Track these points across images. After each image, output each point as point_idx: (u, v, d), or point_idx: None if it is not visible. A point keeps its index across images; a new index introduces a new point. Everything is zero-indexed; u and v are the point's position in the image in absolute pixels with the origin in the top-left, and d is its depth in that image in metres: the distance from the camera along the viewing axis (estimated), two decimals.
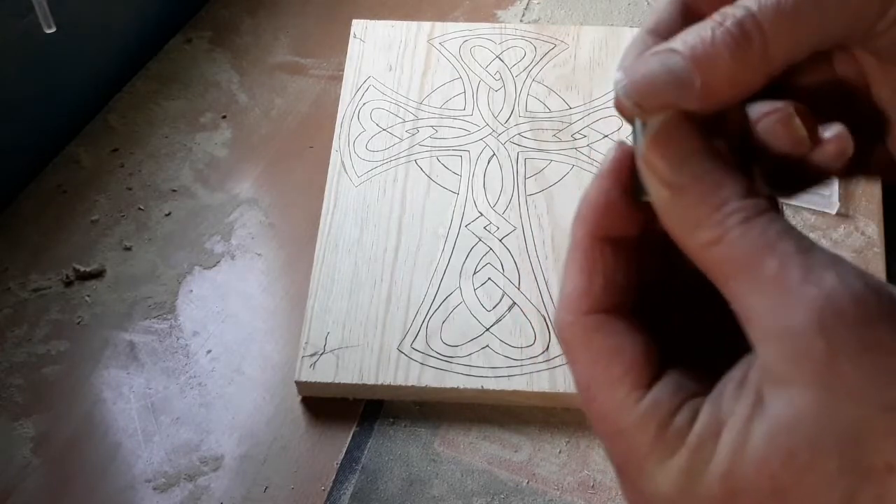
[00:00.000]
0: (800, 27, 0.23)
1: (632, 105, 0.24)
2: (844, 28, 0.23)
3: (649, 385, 0.23)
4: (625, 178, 0.25)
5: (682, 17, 0.26)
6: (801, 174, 0.26)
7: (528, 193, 0.68)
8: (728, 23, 0.23)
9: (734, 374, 0.22)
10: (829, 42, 0.24)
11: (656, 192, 0.24)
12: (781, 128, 0.25)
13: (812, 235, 0.69)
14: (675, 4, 0.26)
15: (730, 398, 0.22)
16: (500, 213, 0.67)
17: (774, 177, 0.26)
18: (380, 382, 0.58)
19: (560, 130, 0.72)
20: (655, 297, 0.25)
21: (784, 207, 0.71)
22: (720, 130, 0.24)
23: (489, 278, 0.63)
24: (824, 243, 0.69)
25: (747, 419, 0.21)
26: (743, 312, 0.22)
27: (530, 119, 0.73)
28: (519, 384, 0.58)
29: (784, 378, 0.21)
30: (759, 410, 0.21)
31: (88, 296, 0.66)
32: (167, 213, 0.72)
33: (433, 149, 0.71)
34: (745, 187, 0.23)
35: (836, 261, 0.21)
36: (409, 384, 0.58)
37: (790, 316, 0.21)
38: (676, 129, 0.23)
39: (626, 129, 0.72)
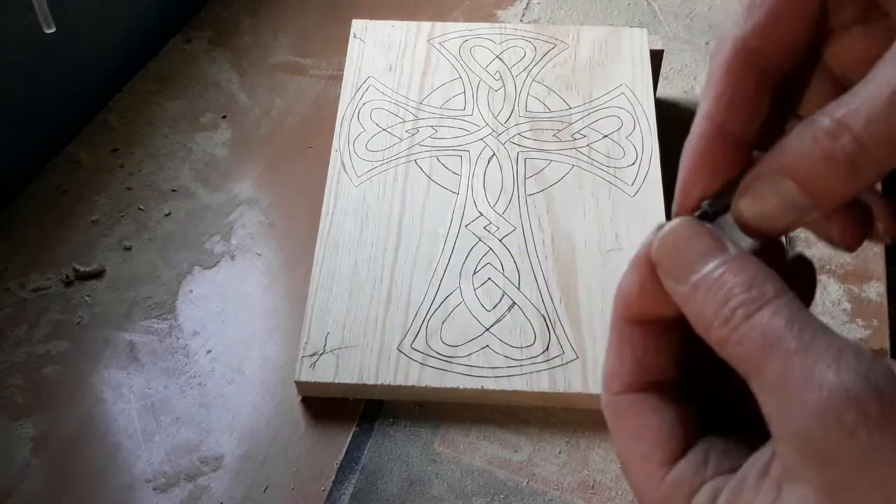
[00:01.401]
0: None
1: (752, 229, 0.25)
2: None
3: (675, 460, 0.24)
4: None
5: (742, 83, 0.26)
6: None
7: (528, 193, 0.68)
8: (839, 154, 0.23)
9: (759, 460, 0.23)
10: None
11: (672, 290, 0.25)
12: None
13: (812, 234, 0.69)
14: (735, 69, 0.26)
15: (750, 489, 0.23)
16: (500, 213, 0.67)
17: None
18: (380, 382, 0.58)
19: (560, 130, 0.72)
20: (701, 369, 0.26)
21: None
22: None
23: (489, 278, 0.63)
24: (822, 245, 0.68)
25: None
26: (763, 408, 0.22)
27: (530, 119, 0.73)
28: (519, 384, 0.58)
29: (797, 476, 0.21)
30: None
31: (88, 296, 0.66)
32: (167, 213, 0.72)
33: (433, 149, 0.71)
34: (749, 276, 0.23)
35: (837, 355, 0.21)
36: (409, 384, 0.58)
37: (796, 419, 0.21)
38: (683, 236, 0.25)
39: (626, 129, 0.72)
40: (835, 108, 0.23)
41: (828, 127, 0.23)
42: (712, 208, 0.26)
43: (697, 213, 0.26)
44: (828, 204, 0.24)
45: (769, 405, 0.22)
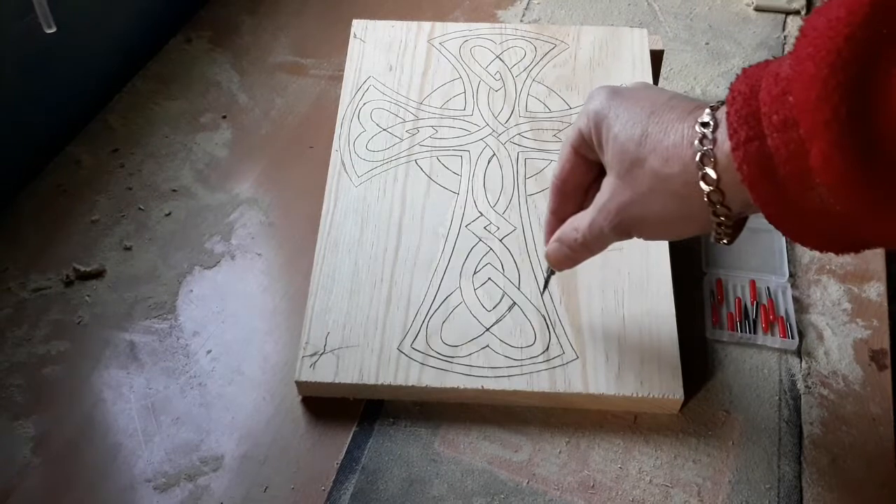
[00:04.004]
0: (608, 241, 0.51)
1: (552, 265, 0.55)
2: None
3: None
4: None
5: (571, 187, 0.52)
6: None
7: (528, 193, 0.68)
8: (578, 241, 0.51)
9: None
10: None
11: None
12: None
13: None
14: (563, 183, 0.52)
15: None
16: (501, 213, 0.67)
17: None
18: (380, 382, 0.58)
19: (560, 130, 0.72)
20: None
21: None
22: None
23: (489, 278, 0.63)
24: None
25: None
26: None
27: (530, 119, 0.73)
28: (519, 384, 0.58)
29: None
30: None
31: (89, 296, 0.66)
32: (167, 213, 0.72)
33: (433, 149, 0.71)
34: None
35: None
36: (410, 384, 0.58)
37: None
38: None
39: None
40: (577, 218, 0.51)
41: (570, 228, 0.51)
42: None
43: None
44: (581, 260, 0.53)
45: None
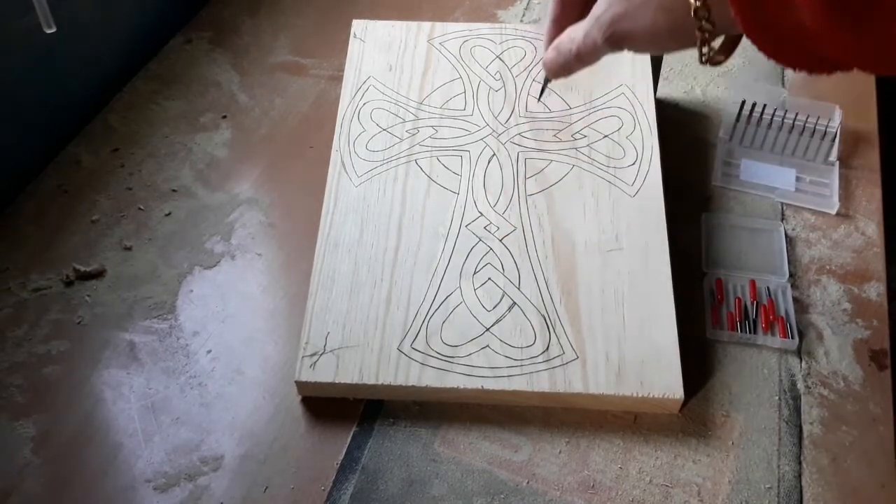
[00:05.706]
0: (601, 53, 0.51)
1: (549, 71, 0.54)
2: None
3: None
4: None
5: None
6: None
7: (528, 193, 0.68)
8: (573, 51, 0.51)
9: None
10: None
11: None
12: None
13: (812, 235, 0.69)
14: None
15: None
16: (501, 213, 0.67)
17: None
18: (380, 382, 0.58)
19: (560, 130, 0.72)
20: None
21: (785, 209, 0.71)
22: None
23: (489, 278, 0.63)
24: (824, 243, 0.69)
25: None
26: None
27: (530, 119, 0.73)
28: (519, 384, 0.58)
29: None
30: None
31: (89, 296, 0.66)
32: (167, 213, 0.72)
33: (433, 149, 0.71)
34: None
35: None
36: (410, 384, 0.58)
37: None
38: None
39: (626, 129, 0.72)
40: (573, 29, 0.51)
41: (567, 38, 0.52)
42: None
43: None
44: (575, 71, 0.53)
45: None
